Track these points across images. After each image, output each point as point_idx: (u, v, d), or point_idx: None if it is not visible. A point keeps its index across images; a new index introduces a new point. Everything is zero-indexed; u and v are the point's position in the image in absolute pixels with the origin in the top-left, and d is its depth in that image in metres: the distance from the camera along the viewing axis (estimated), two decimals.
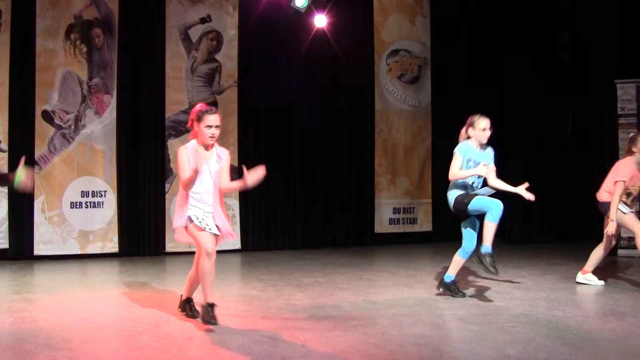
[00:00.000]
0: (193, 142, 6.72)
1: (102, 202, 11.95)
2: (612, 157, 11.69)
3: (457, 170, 7.83)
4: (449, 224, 14.03)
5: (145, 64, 12.24)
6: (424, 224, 14.35)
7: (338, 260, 11.62)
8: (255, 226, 12.88)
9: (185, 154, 6.61)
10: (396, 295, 8.33)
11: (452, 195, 7.89)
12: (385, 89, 14.06)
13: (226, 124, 12.43)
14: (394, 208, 14.05)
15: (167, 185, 12.33)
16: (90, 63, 11.94)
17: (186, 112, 12.35)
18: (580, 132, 13.92)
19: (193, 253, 12.14)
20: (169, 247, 12.28)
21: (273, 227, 13.02)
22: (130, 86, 12.15)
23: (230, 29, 12.84)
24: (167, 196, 12.30)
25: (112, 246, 11.99)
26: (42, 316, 7.21)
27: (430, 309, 7.45)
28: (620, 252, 11.68)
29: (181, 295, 7.23)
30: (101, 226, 11.94)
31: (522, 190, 7.77)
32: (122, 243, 12.05)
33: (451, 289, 8.15)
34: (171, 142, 12.34)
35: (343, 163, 13.52)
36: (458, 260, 8.13)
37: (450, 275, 8.18)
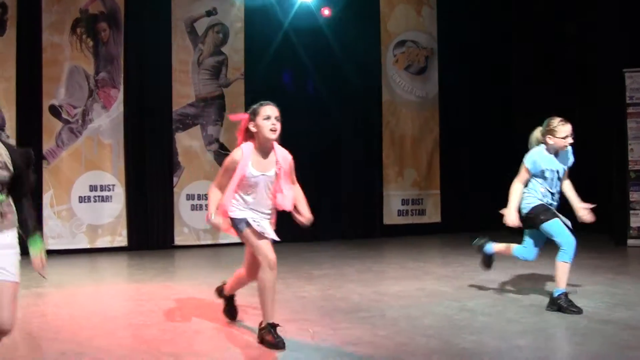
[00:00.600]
0: (250, 146, 5.77)
1: (111, 196, 11.97)
2: (621, 148, 11.68)
3: (517, 186, 7.13)
4: (457, 216, 14.09)
5: (152, 58, 12.25)
6: (433, 215, 14.33)
7: (347, 252, 11.61)
8: None
9: (231, 161, 5.72)
10: (405, 287, 8.31)
11: (531, 201, 7.10)
12: (392, 80, 14.03)
13: None
14: (402, 199, 14.03)
15: (175, 179, 12.33)
16: (97, 57, 11.94)
17: (193, 105, 12.37)
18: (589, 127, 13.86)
19: (202, 246, 12.28)
20: (178, 240, 12.31)
21: (281, 220, 12.97)
22: (137, 80, 12.15)
23: (236, 22, 12.82)
24: (175, 189, 12.31)
25: (121, 240, 12.01)
26: (52, 310, 7.23)
27: (439, 301, 7.42)
28: (630, 242, 11.63)
29: (222, 286, 6.52)
30: (110, 220, 11.95)
31: (583, 210, 7.05)
32: (131, 237, 12.07)
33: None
34: (178, 135, 12.34)
35: (351, 155, 13.49)
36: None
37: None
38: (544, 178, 7.04)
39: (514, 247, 7.55)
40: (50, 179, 11.56)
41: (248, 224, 5.69)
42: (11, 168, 4.38)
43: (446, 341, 5.69)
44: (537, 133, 7.21)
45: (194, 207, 12.41)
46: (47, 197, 11.52)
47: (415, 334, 5.95)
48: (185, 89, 12.46)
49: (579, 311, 6.63)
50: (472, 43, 14.10)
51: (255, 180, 5.68)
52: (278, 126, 5.72)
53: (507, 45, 14.12)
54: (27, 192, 4.59)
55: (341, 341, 5.74)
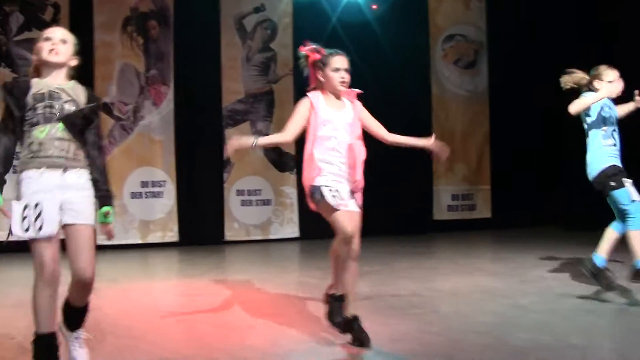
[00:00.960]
0: (318, 94, 5.56)
1: (162, 192, 12.09)
2: None
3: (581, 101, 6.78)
4: (508, 211, 13.96)
5: (201, 55, 12.35)
6: (483, 210, 14.24)
7: (397, 248, 11.58)
8: (314, 214, 12.85)
9: (305, 106, 5.49)
10: (456, 283, 8.26)
11: (599, 164, 6.86)
12: (441, 75, 13.97)
13: (282, 112, 12.48)
14: (452, 195, 13.97)
15: (225, 175, 12.41)
16: (147, 55, 12.07)
17: (243, 101, 12.42)
18: None
19: (252, 242, 12.35)
20: (228, 235, 12.40)
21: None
22: (186, 77, 12.26)
23: (284, 17, 12.86)
24: (225, 185, 12.40)
25: (172, 235, 12.13)
26: (106, 305, 7.30)
27: (491, 297, 7.36)
28: None
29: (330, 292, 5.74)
30: (161, 216, 12.08)
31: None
32: (182, 232, 12.19)
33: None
34: (228, 132, 12.43)
35: (400, 150, 13.39)
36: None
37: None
38: (604, 115, 6.88)
39: (614, 229, 7.09)
40: None
41: (322, 195, 5.35)
42: (81, 106, 4.44)
43: (499, 338, 5.64)
44: (579, 75, 7.11)
45: (244, 203, 12.48)
46: None
47: (468, 330, 5.90)
48: (235, 85, 12.53)
49: None
50: (522, 36, 13.96)
51: (330, 119, 5.47)
52: (347, 78, 5.55)
53: (559, 38, 13.91)
54: (97, 142, 4.56)
55: (392, 337, 5.72)
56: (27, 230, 4.16)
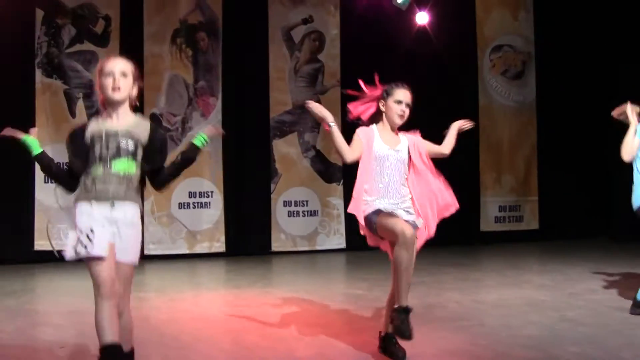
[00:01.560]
0: (374, 127, 5.59)
1: (209, 203, 12.18)
2: None
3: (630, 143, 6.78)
4: (556, 222, 13.82)
5: (249, 66, 12.44)
6: (531, 222, 14.11)
7: (444, 259, 11.51)
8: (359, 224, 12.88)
9: (363, 133, 5.48)
10: (504, 295, 8.20)
11: None
12: (488, 85, 13.89)
13: None
14: (499, 206, 13.86)
15: (272, 185, 12.47)
16: (196, 66, 12.19)
17: (290, 112, 12.49)
18: None
19: (298, 253, 12.37)
20: (275, 246, 12.43)
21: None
22: (234, 88, 12.35)
23: (332, 29, 12.90)
24: (272, 196, 12.45)
25: (219, 246, 12.20)
26: (154, 314, 7.39)
27: (539, 310, 7.30)
28: None
29: (380, 333, 5.74)
30: (208, 226, 12.16)
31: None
32: (229, 243, 12.25)
33: None
34: (276, 142, 12.48)
35: (446, 160, 13.36)
36: None
37: None
38: None
39: None
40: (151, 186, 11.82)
41: (378, 212, 5.31)
42: (143, 143, 4.60)
43: (547, 352, 5.60)
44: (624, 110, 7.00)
45: (290, 214, 12.52)
46: (147, 204, 11.79)
47: (515, 344, 5.87)
48: (282, 96, 12.59)
49: None
50: (570, 46, 13.83)
51: (384, 155, 5.47)
52: (407, 113, 5.60)
53: (611, 49, 13.77)
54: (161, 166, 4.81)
55: (440, 350, 5.71)
56: (78, 251, 4.35)
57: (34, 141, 4.57)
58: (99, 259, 4.35)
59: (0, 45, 11.23)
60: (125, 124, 4.58)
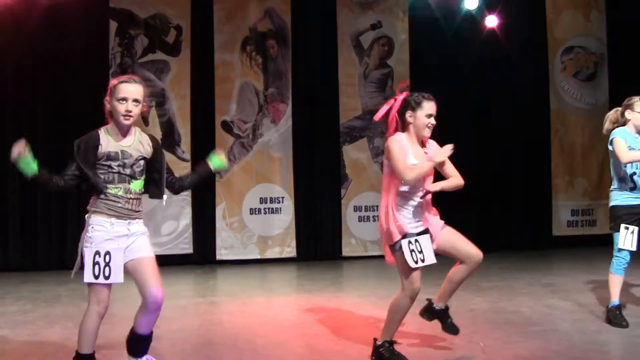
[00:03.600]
0: (402, 136, 5.57)
1: (280, 208, 12.26)
2: None
3: (627, 151, 6.70)
4: None
5: (319, 72, 12.50)
6: (604, 226, 13.81)
7: (515, 263, 11.40)
8: None
9: (398, 144, 5.45)
10: (577, 300, 8.09)
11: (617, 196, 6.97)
12: (560, 88, 13.70)
13: None
14: (572, 210, 13.64)
15: (342, 191, 12.50)
16: (266, 73, 12.30)
17: (360, 117, 12.52)
18: None
19: (369, 257, 12.37)
20: (345, 251, 12.46)
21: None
22: (304, 94, 12.43)
23: (401, 34, 12.89)
24: (342, 201, 12.48)
25: (290, 251, 12.27)
26: (227, 318, 7.49)
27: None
28: None
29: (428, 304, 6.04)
30: (279, 231, 12.24)
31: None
32: (300, 248, 12.32)
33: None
34: (346, 148, 12.51)
35: (518, 164, 13.26)
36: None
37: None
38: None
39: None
40: (223, 191, 11.99)
41: (402, 250, 5.40)
42: (148, 156, 5.05)
43: (623, 358, 5.51)
44: (611, 115, 7.08)
45: (361, 219, 12.54)
46: (219, 210, 11.94)
47: (590, 349, 5.79)
48: (352, 102, 12.63)
49: None
50: None
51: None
52: (433, 125, 5.58)
53: None
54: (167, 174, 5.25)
55: (514, 355, 5.67)
56: (97, 277, 4.78)
57: (27, 162, 4.70)
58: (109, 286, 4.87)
59: (76, 57, 11.52)
60: (134, 141, 4.98)
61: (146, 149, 5.01)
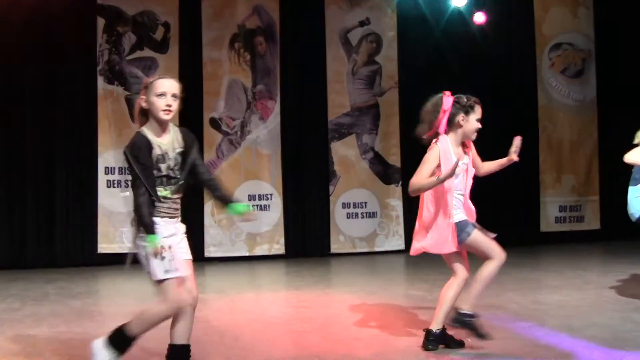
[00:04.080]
0: (447, 139, 5.69)
1: (269, 205, 12.26)
2: None
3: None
4: (618, 223, 13.59)
5: (307, 69, 12.51)
6: (592, 222, 13.90)
7: None
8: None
9: (441, 152, 5.59)
10: (565, 296, 8.12)
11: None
12: (548, 84, 13.74)
13: (387, 125, 12.56)
14: (560, 206, 13.69)
15: (331, 187, 12.51)
16: (254, 70, 12.30)
17: (348, 114, 12.52)
18: None
19: (357, 254, 12.38)
20: (334, 248, 12.47)
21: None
22: (293, 91, 12.45)
23: (389, 31, 12.90)
24: (331, 198, 12.50)
25: (279, 248, 12.27)
26: (215, 316, 7.47)
27: (601, 311, 7.21)
28: None
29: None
30: (268, 228, 12.24)
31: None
32: (288, 245, 12.32)
33: None
34: (334, 145, 12.52)
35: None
36: None
37: None
38: None
39: None
40: None
41: (474, 227, 5.80)
42: (182, 150, 4.92)
43: (610, 354, 5.53)
44: None
45: (349, 215, 12.55)
46: (208, 207, 11.93)
47: (577, 345, 5.81)
48: (340, 98, 12.63)
49: None
50: (632, 43, 13.59)
51: (459, 170, 5.63)
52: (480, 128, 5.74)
53: None
54: (206, 171, 5.18)
55: (501, 350, 5.68)
56: (167, 272, 4.72)
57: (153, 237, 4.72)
58: (182, 278, 4.84)
59: (63, 54, 11.51)
60: (173, 140, 4.88)
61: (180, 142, 4.90)
